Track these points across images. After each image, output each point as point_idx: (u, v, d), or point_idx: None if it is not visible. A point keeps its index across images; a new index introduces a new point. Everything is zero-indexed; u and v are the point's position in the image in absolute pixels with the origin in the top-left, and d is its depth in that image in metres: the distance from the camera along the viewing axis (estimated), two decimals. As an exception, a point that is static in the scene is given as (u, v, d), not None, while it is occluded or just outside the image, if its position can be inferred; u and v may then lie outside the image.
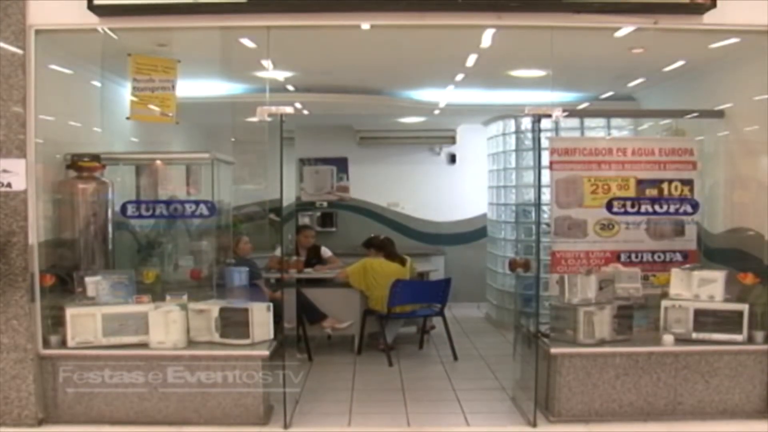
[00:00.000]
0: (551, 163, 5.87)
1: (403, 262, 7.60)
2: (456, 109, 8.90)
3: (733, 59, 5.74)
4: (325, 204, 10.76)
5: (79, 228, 5.49)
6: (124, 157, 6.05)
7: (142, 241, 6.04)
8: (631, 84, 7.31)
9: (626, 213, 5.78)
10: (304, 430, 4.98)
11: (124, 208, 5.56)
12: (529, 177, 8.39)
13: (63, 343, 4.99)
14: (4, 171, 4.79)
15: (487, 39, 5.48)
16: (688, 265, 5.55)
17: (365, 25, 5.13)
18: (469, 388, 6.04)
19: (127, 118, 5.37)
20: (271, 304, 5.24)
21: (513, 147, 8.73)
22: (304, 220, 10.38)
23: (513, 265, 6.12)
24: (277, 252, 7.08)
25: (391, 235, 8.59)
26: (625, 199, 5.77)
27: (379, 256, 7.56)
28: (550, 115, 5.24)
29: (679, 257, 5.84)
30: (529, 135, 8.32)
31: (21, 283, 4.82)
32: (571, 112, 7.14)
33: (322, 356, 7.27)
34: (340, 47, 6.03)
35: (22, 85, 4.80)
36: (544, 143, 6.09)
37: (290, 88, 7.42)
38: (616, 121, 7.99)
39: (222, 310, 5.11)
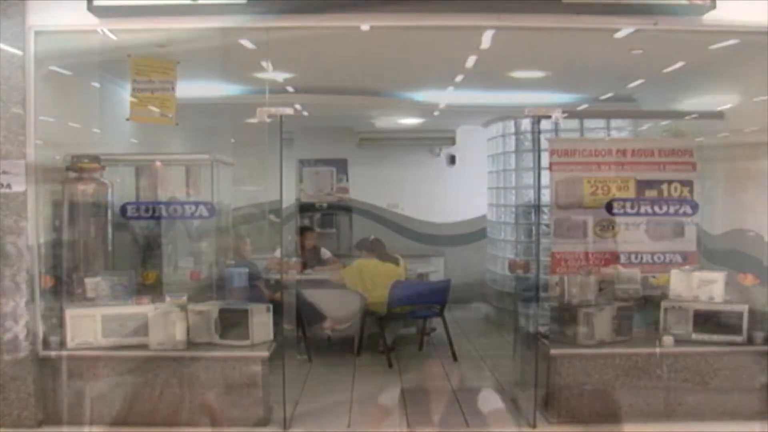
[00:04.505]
0: (551, 164, 5.86)
1: (396, 262, 7.59)
2: (456, 110, 8.90)
3: (733, 60, 5.74)
4: (324, 205, 10.75)
5: (78, 229, 5.49)
6: (123, 159, 6.05)
7: (141, 242, 6.04)
8: (631, 85, 7.30)
9: (626, 214, 5.78)
10: (303, 431, 4.98)
11: (123, 209, 5.57)
12: (528, 178, 8.39)
13: (63, 344, 4.99)
14: (4, 172, 4.79)
15: (486, 40, 5.48)
16: (687, 266, 5.56)
17: (365, 26, 5.13)
18: (469, 389, 6.04)
19: (127, 120, 5.37)
20: (271, 305, 5.24)
21: (513, 148, 8.74)
22: (304, 221, 10.37)
23: (513, 267, 6.13)
24: (277, 253, 7.08)
25: (390, 236, 8.60)
26: (624, 200, 5.78)
27: (371, 257, 7.56)
28: (549, 116, 5.24)
29: (678, 258, 5.84)
30: (529, 136, 8.32)
31: (21, 285, 4.82)
32: (571, 113, 7.13)
33: (322, 357, 7.25)
34: (340, 48, 6.03)
35: (22, 86, 4.81)
36: (544, 144, 6.10)
37: (290, 89, 7.40)
38: (615, 122, 8.00)
39: (222, 311, 5.11)
